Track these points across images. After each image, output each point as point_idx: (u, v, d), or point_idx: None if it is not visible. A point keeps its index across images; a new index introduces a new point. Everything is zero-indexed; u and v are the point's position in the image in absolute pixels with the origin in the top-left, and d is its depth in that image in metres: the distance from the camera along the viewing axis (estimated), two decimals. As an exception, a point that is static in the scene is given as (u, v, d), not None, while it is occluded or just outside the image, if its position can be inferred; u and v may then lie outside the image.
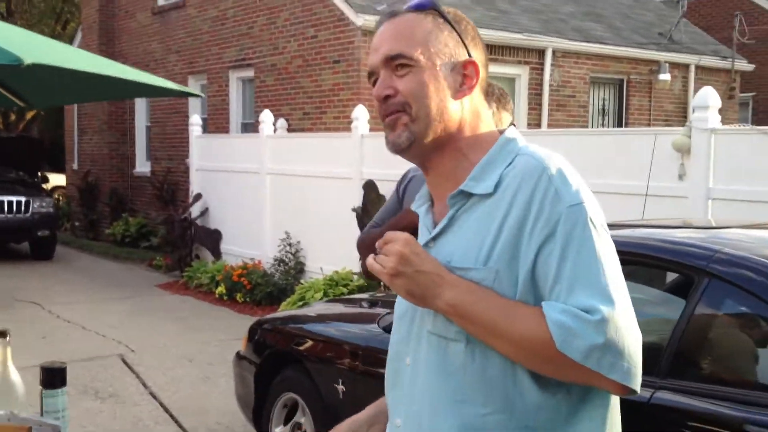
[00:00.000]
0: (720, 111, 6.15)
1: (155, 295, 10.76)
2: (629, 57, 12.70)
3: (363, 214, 8.65)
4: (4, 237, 13.57)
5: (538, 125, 11.67)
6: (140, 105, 16.13)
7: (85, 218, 16.40)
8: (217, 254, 11.68)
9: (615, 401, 1.51)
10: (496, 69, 10.97)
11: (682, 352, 2.70)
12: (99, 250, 14.79)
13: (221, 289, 10.20)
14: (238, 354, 4.97)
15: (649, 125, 12.82)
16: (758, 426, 2.38)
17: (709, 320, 2.78)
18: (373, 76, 1.61)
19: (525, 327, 1.40)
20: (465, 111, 1.57)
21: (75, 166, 17.97)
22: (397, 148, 1.56)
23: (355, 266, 8.76)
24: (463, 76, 1.57)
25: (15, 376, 2.07)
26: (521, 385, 1.45)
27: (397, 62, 1.55)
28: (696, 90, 12.36)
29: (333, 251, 9.38)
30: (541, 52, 11.74)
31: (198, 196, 12.22)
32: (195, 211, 12.21)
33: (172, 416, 5.89)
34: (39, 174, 15.70)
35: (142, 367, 7.12)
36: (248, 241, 11.12)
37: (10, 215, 13.15)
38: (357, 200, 8.95)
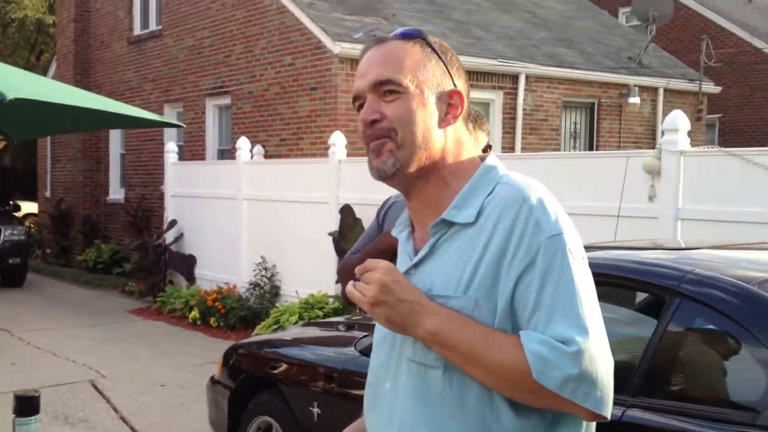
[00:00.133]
0: (688, 133, 6.25)
1: (127, 321, 10.67)
2: (600, 81, 12.87)
3: (340, 238, 8.67)
4: (-25, 265, 13.42)
5: (512, 149, 11.77)
6: (115, 133, 16.08)
7: (57, 245, 16.28)
8: (191, 279, 11.63)
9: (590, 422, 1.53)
10: (471, 94, 11.01)
11: (654, 371, 2.73)
12: (71, 276, 14.67)
13: (195, 313, 10.15)
14: (212, 378, 4.95)
15: (619, 147, 12.97)
16: (729, 442, 2.41)
17: (680, 339, 2.82)
18: (358, 100, 1.60)
19: (503, 356, 1.42)
20: (449, 139, 1.58)
21: (48, 193, 17.85)
22: (381, 175, 1.57)
23: (331, 289, 8.77)
24: (448, 105, 1.59)
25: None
26: (498, 411, 1.47)
27: (386, 88, 1.55)
28: (665, 113, 12.56)
29: (309, 275, 9.39)
30: (514, 78, 11.87)
31: (173, 222, 12.18)
32: (170, 237, 12.16)
33: (144, 442, 5.85)
34: (10, 202, 15.57)
35: (113, 392, 7.05)
36: (223, 266, 11.10)
37: (-19, 243, 13.02)
38: (334, 224, 8.97)
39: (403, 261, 1.63)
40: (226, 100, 12.74)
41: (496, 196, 1.51)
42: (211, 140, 13.34)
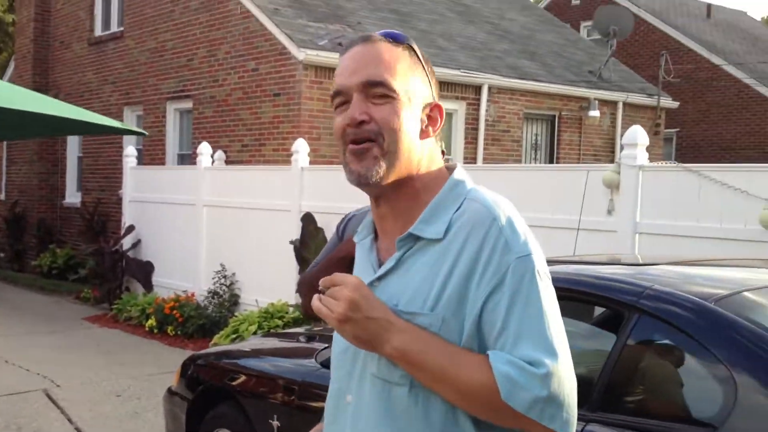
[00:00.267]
0: (646, 147, 6.34)
1: (82, 329, 10.50)
2: (561, 94, 13.00)
3: (301, 247, 8.64)
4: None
5: (474, 159, 11.84)
6: (72, 136, 15.84)
7: (10, 249, 15.96)
8: (148, 287, 11.48)
9: None
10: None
11: (613, 386, 2.75)
12: (24, 282, 14.40)
13: (152, 321, 10.02)
14: (169, 390, 4.88)
15: (579, 160, 13.13)
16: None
17: (639, 355, 2.85)
18: (339, 96, 1.55)
19: (471, 376, 1.42)
20: (424, 152, 1.57)
21: (2, 196, 17.53)
22: (362, 180, 1.53)
23: (292, 298, 8.72)
24: (428, 117, 1.58)
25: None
26: (462, 428, 1.47)
27: (377, 90, 1.51)
28: (624, 126, 12.76)
29: (269, 283, 9.33)
30: (477, 88, 11.94)
31: (130, 228, 12.03)
32: (127, 243, 12.00)
33: (99, 453, 5.75)
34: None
35: (67, 402, 6.92)
36: (182, 274, 10.98)
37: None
38: (295, 233, 8.93)
39: (366, 270, 1.61)
40: (188, 104, 12.63)
41: (465, 212, 1.50)
42: (172, 145, 13.21)
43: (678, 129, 18.12)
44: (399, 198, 1.56)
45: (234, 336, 8.19)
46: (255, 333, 7.95)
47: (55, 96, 14.94)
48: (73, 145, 15.96)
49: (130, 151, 12.52)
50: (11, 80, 16.22)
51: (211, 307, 9.99)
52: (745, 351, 2.49)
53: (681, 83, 16.65)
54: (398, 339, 1.44)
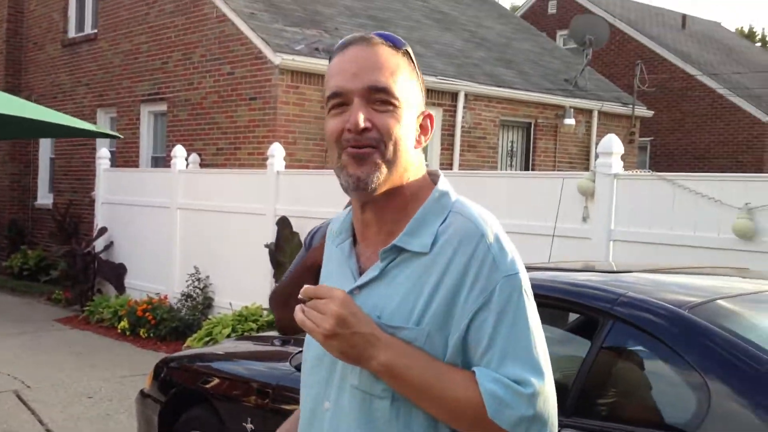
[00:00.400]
0: (621, 155, 6.39)
1: (54, 330, 10.39)
2: (537, 102, 13.09)
3: (276, 251, 8.61)
4: None
5: (450, 165, 11.88)
6: (45, 138, 15.69)
7: (-19, 250, 15.79)
8: (120, 289, 11.39)
9: None
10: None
11: (588, 392, 2.77)
12: (-5, 283, 14.24)
13: (124, 324, 9.94)
14: (142, 392, 4.85)
15: (554, 167, 13.21)
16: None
17: (613, 361, 2.87)
18: (337, 98, 1.50)
19: (457, 392, 1.42)
20: (415, 161, 1.55)
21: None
22: (360, 185, 1.48)
23: (266, 302, 8.69)
24: (420, 126, 1.56)
25: None
26: None
27: (380, 97, 1.48)
28: (599, 134, 12.86)
29: (243, 287, 9.29)
30: (454, 95, 11.98)
31: (103, 230, 11.93)
32: (99, 245, 11.90)
33: (70, 456, 5.69)
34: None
35: (38, 403, 6.85)
36: (155, 276, 10.90)
37: None
38: (270, 236, 8.90)
39: (344, 276, 1.58)
40: (162, 107, 12.55)
41: (451, 226, 1.49)
42: (146, 147, 13.12)
43: (652, 138, 18.30)
44: (387, 206, 1.53)
45: (207, 339, 8.15)
46: (229, 336, 7.92)
47: (28, 97, 14.80)
48: (45, 146, 15.80)
49: (103, 153, 12.43)
50: (-17, 80, 16.03)
51: (185, 309, 9.93)
52: (718, 358, 2.51)
53: (656, 92, 16.84)
54: (384, 354, 1.43)
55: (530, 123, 13.24)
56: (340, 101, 1.49)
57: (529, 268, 3.41)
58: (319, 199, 8.34)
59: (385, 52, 1.51)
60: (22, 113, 3.57)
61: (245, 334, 7.85)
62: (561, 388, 2.74)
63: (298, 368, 3.86)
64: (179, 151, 10.82)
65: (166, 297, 10.29)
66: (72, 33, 14.99)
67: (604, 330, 2.80)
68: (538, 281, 3.08)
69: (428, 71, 11.66)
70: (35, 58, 15.89)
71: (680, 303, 2.77)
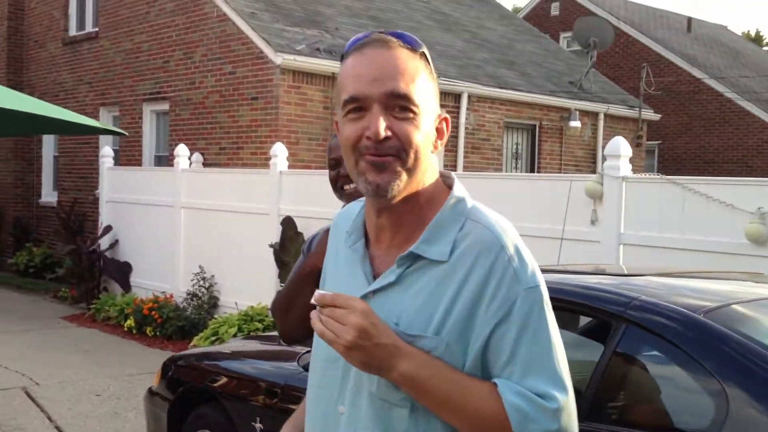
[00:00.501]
0: (629, 159, 6.37)
1: (60, 328, 10.39)
2: (541, 104, 13.07)
3: (281, 251, 8.60)
4: None
5: (455, 167, 11.86)
6: (48, 135, 15.69)
7: (-15, 247, 15.79)
8: (126, 287, 11.39)
9: None
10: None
11: (601, 396, 2.76)
12: (1, 280, 14.22)
13: (130, 322, 9.94)
14: (150, 390, 4.85)
15: (560, 170, 13.20)
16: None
17: (626, 365, 2.86)
18: (355, 102, 1.46)
19: (479, 405, 1.41)
20: (431, 165, 1.53)
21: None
22: (380, 193, 1.46)
23: (271, 301, 8.68)
24: (437, 130, 1.54)
25: None
26: None
27: (400, 103, 1.45)
28: (605, 137, 12.84)
29: (249, 286, 9.29)
30: (457, 97, 11.97)
31: (108, 228, 11.93)
32: (104, 243, 11.90)
33: (78, 453, 5.69)
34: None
35: (46, 400, 6.86)
36: (160, 275, 10.90)
37: None
38: (274, 236, 8.90)
39: (356, 278, 1.56)
40: (164, 106, 12.56)
41: (469, 235, 1.47)
42: (148, 146, 13.13)
43: (660, 141, 18.27)
44: (404, 211, 1.51)
45: (214, 338, 8.15)
46: (235, 335, 7.92)
47: (30, 95, 14.79)
48: (48, 144, 15.81)
49: (106, 152, 12.44)
50: (-15, 78, 16.05)
51: (190, 308, 9.93)
52: (736, 364, 2.50)
53: (662, 95, 16.79)
54: (405, 365, 1.41)
55: (535, 125, 13.23)
56: (358, 106, 1.46)
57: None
58: (323, 199, 8.33)
59: (404, 55, 1.47)
60: (26, 109, 3.55)
61: (251, 333, 7.84)
62: (574, 392, 2.74)
63: (306, 368, 3.85)
64: (182, 150, 10.81)
65: (171, 296, 10.29)
66: (73, 31, 15.00)
67: (617, 334, 2.79)
68: (548, 283, 3.06)
69: (433, 72, 11.64)
70: (36, 56, 15.89)
71: (695, 307, 2.75)
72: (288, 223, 8.71)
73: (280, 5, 11.69)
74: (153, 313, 9.76)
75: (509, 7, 32.50)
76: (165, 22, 12.40)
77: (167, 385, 4.68)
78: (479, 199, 1.57)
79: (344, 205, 2.75)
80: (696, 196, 5.76)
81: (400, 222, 1.53)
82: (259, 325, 8.27)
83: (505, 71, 13.41)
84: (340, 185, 2.65)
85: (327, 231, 2.76)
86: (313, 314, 1.43)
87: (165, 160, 12.50)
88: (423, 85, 1.48)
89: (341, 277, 1.61)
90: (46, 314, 11.22)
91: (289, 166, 9.40)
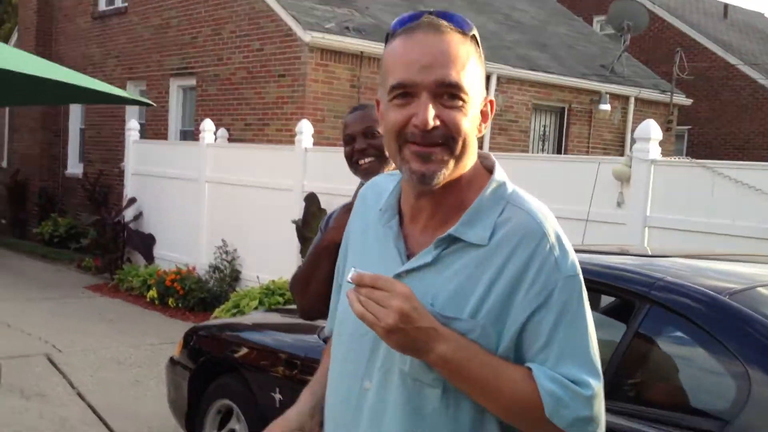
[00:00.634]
0: (658, 142, 6.30)
1: (84, 297, 10.50)
2: (571, 86, 12.95)
3: (303, 227, 8.61)
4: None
5: (481, 147, 11.75)
6: (75, 107, 15.82)
7: (13, 216, 15.96)
8: (149, 259, 11.47)
9: None
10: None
11: (623, 375, 2.73)
12: (26, 249, 14.40)
13: (153, 293, 10.02)
14: (171, 359, 4.88)
15: (587, 153, 13.09)
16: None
17: (649, 345, 2.83)
18: (402, 88, 1.43)
19: (515, 389, 1.42)
20: (474, 149, 1.51)
21: (4, 164, 17.51)
22: (426, 182, 1.45)
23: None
24: (482, 113, 1.52)
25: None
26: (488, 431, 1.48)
27: (450, 91, 1.42)
28: (635, 121, 12.70)
29: (270, 261, 9.32)
30: (486, 78, 11.86)
31: (132, 200, 12.01)
32: (129, 214, 11.99)
33: (100, 418, 5.75)
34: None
35: (69, 367, 6.93)
36: (183, 247, 10.96)
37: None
38: (297, 212, 8.91)
39: (389, 256, 1.54)
40: (191, 82, 12.58)
41: (510, 220, 1.47)
42: (174, 120, 13.18)
43: (690, 126, 18.04)
44: (445, 195, 1.50)
45: (235, 310, 8.19)
46: (256, 308, 7.95)
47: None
48: (75, 116, 15.91)
49: (132, 125, 12.50)
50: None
51: (212, 281, 9.99)
52: (760, 346, 2.46)
53: (695, 81, 16.54)
54: (443, 348, 1.41)
55: (564, 108, 13.11)
56: (404, 92, 1.43)
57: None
58: (347, 177, 8.28)
59: (455, 41, 1.43)
60: (55, 77, 3.55)
61: (272, 307, 7.88)
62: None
63: (326, 341, 3.85)
64: (208, 125, 10.84)
65: (194, 268, 10.35)
66: (102, 6, 15.06)
67: (641, 314, 2.76)
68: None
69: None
70: (65, 29, 15.96)
71: (720, 289, 2.72)
72: (311, 199, 8.70)
73: (311, -18, 11.63)
74: (175, 284, 9.83)
75: (541, -11, 32.09)
76: (194, -2, 12.38)
77: (189, 354, 4.71)
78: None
79: (361, 181, 2.74)
80: (725, 181, 5.68)
81: (440, 204, 1.52)
82: (280, 299, 8.29)
83: (536, 53, 13.29)
84: (355, 160, 2.69)
85: (344, 207, 2.75)
86: (351, 293, 1.41)
87: (191, 134, 12.54)
88: (473, 70, 1.46)
89: (371, 253, 1.60)
90: (69, 283, 11.35)
91: (314, 144, 9.40)
